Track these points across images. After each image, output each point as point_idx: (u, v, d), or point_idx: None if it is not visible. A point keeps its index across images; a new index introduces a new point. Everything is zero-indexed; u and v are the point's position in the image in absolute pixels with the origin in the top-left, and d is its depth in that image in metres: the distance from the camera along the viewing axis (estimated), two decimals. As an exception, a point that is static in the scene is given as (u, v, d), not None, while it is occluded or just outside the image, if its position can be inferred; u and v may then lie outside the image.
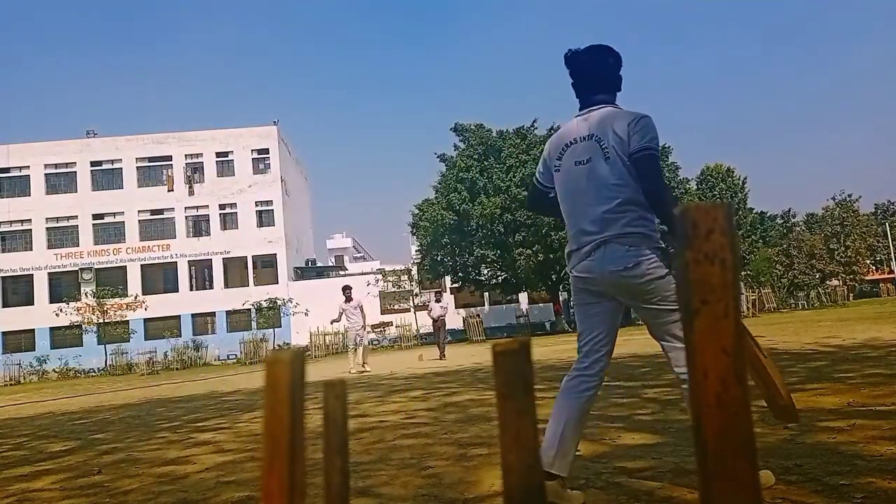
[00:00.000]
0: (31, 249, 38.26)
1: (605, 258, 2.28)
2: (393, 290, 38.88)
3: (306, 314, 33.70)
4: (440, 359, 14.56)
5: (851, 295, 42.96)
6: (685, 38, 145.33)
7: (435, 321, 15.79)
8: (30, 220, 38.43)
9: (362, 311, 13.09)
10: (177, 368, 29.75)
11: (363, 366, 12.99)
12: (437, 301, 16.22)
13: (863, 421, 3.17)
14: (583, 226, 2.36)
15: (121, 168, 39.47)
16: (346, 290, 13.14)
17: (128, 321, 35.62)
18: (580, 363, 2.46)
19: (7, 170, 38.88)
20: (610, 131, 2.35)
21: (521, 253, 29.68)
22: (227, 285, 38.80)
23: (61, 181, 39.19)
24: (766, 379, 2.18)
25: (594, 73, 2.52)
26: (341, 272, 44.61)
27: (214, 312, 38.33)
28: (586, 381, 2.40)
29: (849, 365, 5.61)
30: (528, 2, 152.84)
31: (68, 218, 38.69)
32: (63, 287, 37.62)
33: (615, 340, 2.50)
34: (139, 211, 39.08)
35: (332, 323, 14.65)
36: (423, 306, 33.94)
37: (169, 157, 39.70)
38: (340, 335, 28.64)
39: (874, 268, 57.57)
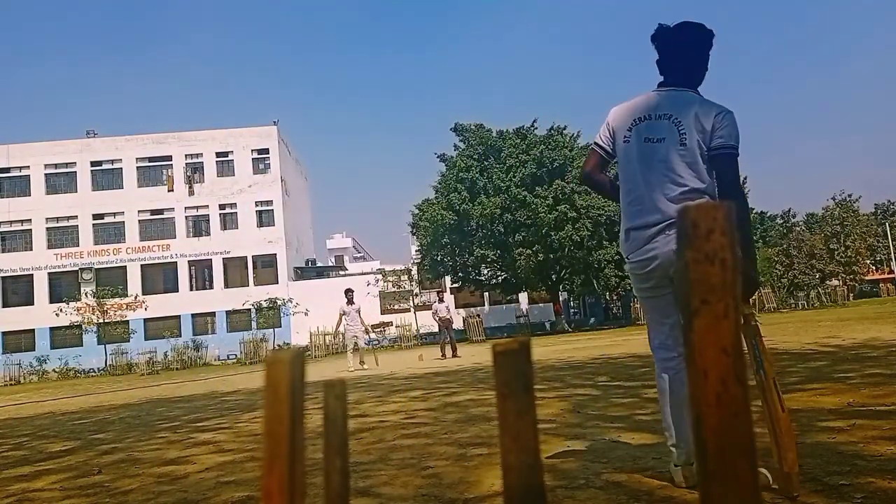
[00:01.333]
0: (31, 249, 38.26)
1: (670, 241, 2.17)
2: (393, 290, 38.88)
3: (306, 314, 33.71)
4: (453, 357, 14.70)
5: (851, 295, 42.97)
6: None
7: (441, 321, 15.86)
8: (30, 220, 38.43)
9: (359, 314, 13.43)
10: (177, 368, 29.75)
11: (362, 365, 13.39)
12: (441, 301, 16.32)
13: (863, 421, 3.17)
14: (647, 206, 2.28)
15: (121, 168, 39.47)
16: (349, 293, 13.63)
17: (128, 321, 35.63)
18: (670, 351, 2.34)
19: (7, 170, 38.88)
20: (692, 118, 2.23)
21: (521, 253, 29.68)
22: (227, 285, 38.80)
23: (61, 181, 39.19)
24: (778, 437, 2.02)
25: (681, 52, 2.38)
26: (341, 272, 44.61)
27: (214, 312, 38.33)
28: (674, 362, 2.35)
29: (849, 365, 5.61)
30: (528, 2, 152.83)
31: (68, 218, 38.70)
32: (63, 287, 37.62)
33: None
34: (139, 211, 39.08)
35: (335, 330, 14.91)
36: (424, 306, 33.98)
37: (169, 157, 39.70)
38: (341, 335, 28.66)
39: (874, 268, 57.57)
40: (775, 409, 2.02)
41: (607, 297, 42.19)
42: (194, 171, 39.82)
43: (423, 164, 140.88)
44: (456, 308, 37.04)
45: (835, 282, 43.91)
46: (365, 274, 39.69)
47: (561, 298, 35.91)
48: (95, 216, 38.84)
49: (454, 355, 15.04)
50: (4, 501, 3.27)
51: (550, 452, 3.06)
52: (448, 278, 36.56)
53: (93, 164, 39.31)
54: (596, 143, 2.48)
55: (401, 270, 39.12)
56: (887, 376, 4.66)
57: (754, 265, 2.11)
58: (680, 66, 2.37)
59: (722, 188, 2.16)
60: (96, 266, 38.12)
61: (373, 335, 19.52)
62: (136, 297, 36.37)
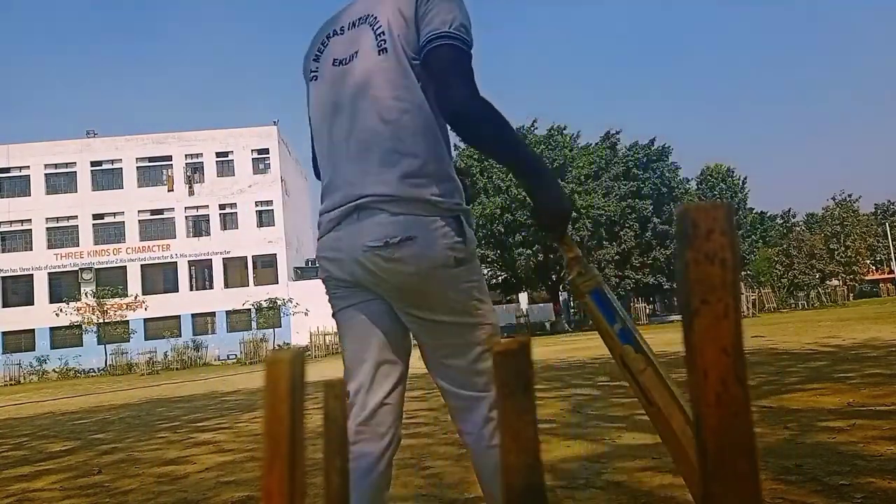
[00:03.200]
0: (31, 249, 38.25)
1: (360, 229, 1.34)
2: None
3: (306, 314, 33.70)
4: None
5: (851, 295, 42.99)
6: (685, 38, 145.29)
7: None
8: (30, 220, 38.42)
9: None
10: (177, 368, 29.74)
11: None
12: None
13: (863, 421, 3.16)
14: (333, 175, 1.42)
15: (121, 168, 39.46)
16: None
17: (128, 321, 35.62)
18: (356, 414, 1.39)
19: (7, 170, 38.87)
20: (391, 7, 1.36)
21: (521, 253, 29.70)
22: (227, 285, 38.79)
23: (61, 181, 39.18)
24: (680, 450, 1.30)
25: None
26: (341, 272, 44.51)
27: (214, 312, 38.32)
28: (372, 443, 1.39)
29: (849, 365, 5.60)
30: (528, 2, 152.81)
31: (68, 218, 38.68)
32: (63, 287, 37.61)
33: (406, 372, 1.47)
34: (139, 211, 39.07)
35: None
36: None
37: (169, 157, 39.69)
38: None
39: (874, 268, 57.59)
40: (667, 404, 1.27)
41: (607, 297, 42.16)
42: (194, 171, 39.82)
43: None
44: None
45: (835, 282, 43.93)
46: (365, 274, 39.62)
47: (561, 298, 35.90)
48: (95, 216, 38.83)
49: None
50: (4, 501, 3.27)
51: (550, 452, 3.05)
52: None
53: (93, 164, 39.30)
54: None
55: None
56: (887, 376, 4.66)
57: (554, 185, 1.34)
58: None
59: (442, 99, 1.29)
60: (96, 266, 38.12)
61: None
62: (136, 297, 36.36)
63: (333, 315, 1.48)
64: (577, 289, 1.35)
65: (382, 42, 1.36)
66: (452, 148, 1.46)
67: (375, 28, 1.38)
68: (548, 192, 1.33)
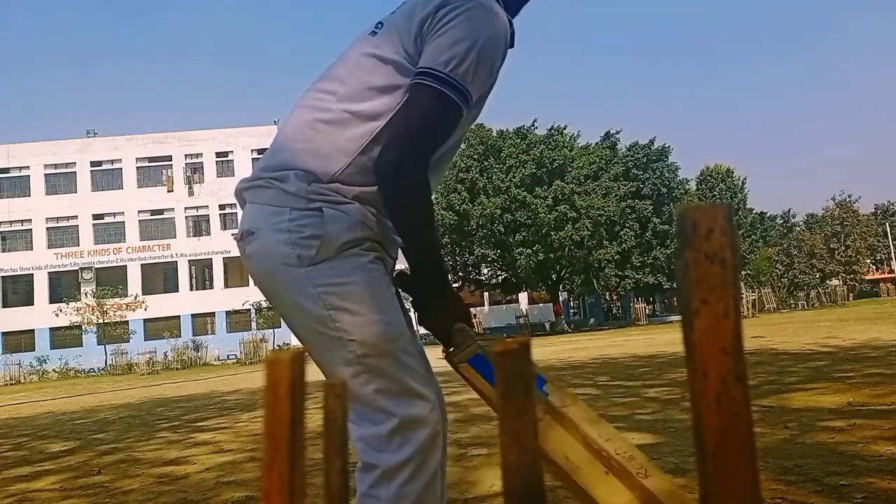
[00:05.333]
0: (31, 249, 38.25)
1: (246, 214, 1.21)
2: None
3: (306, 314, 33.67)
4: None
5: (851, 295, 42.99)
6: (685, 37, 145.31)
7: None
8: (30, 220, 38.42)
9: None
10: (177, 368, 29.75)
11: None
12: None
13: (863, 421, 3.16)
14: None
15: (121, 168, 39.47)
16: None
17: (128, 321, 35.62)
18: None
19: (7, 170, 38.87)
20: (404, 8, 1.19)
21: (521, 253, 29.69)
22: (227, 285, 38.80)
23: (61, 181, 39.19)
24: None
25: None
26: (341, 272, 44.58)
27: (214, 312, 38.33)
28: None
29: (849, 365, 5.60)
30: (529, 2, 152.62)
31: (68, 218, 38.69)
32: (63, 287, 37.62)
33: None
34: (139, 211, 39.08)
35: None
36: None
37: (169, 157, 39.71)
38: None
39: (874, 268, 57.62)
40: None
41: (607, 297, 42.22)
42: (194, 171, 39.83)
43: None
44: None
45: (835, 282, 43.95)
46: (365, 274, 39.67)
47: (561, 298, 35.91)
48: (95, 216, 38.84)
49: None
50: (4, 501, 3.27)
51: (550, 452, 3.05)
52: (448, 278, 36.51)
53: (93, 164, 39.31)
54: None
55: (401, 270, 39.07)
56: (887, 376, 4.66)
57: (443, 305, 1.19)
58: None
59: (381, 149, 1.09)
60: (96, 266, 38.12)
61: None
62: (136, 297, 36.36)
63: None
64: (452, 362, 1.17)
65: (379, 27, 1.18)
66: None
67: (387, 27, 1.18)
68: (436, 305, 1.17)
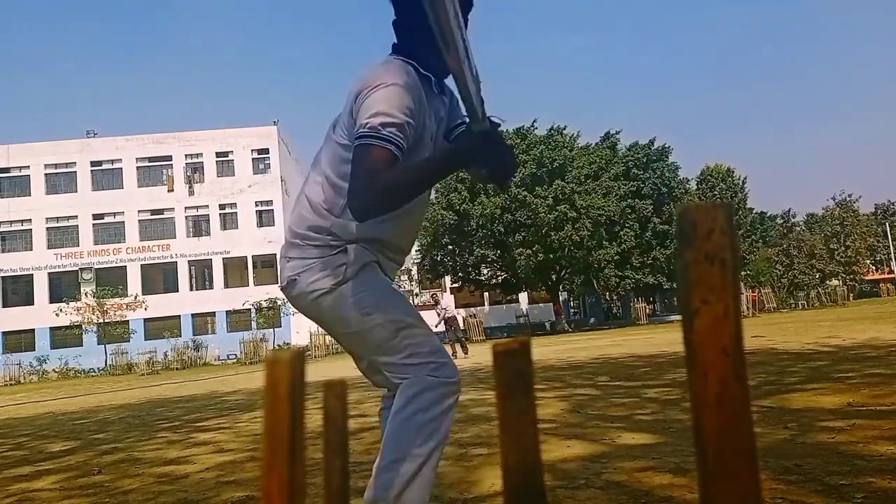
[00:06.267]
0: (31, 249, 38.25)
1: (283, 269, 1.70)
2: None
3: (306, 314, 33.65)
4: (464, 356, 14.59)
5: (851, 295, 42.99)
6: (685, 38, 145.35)
7: (447, 321, 15.77)
8: (30, 220, 38.42)
9: None
10: (177, 368, 29.75)
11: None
12: (437, 303, 16.29)
13: (863, 421, 3.16)
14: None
15: (121, 168, 39.47)
16: None
17: (128, 321, 35.62)
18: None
19: (7, 170, 38.88)
20: (348, 97, 1.59)
21: (521, 253, 29.70)
22: (227, 285, 38.80)
23: (61, 181, 39.19)
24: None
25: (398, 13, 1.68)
26: (341, 272, 44.53)
27: (214, 312, 38.33)
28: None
29: (849, 365, 5.60)
30: (528, 1, 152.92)
31: (68, 218, 38.69)
32: (63, 287, 37.62)
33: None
34: (139, 211, 39.07)
35: None
36: (424, 306, 33.95)
37: (169, 157, 39.70)
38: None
39: (874, 268, 57.64)
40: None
41: (607, 297, 42.25)
42: (194, 171, 39.82)
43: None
44: (456, 308, 37.09)
45: (835, 282, 43.96)
46: (365, 274, 39.64)
47: (561, 298, 35.92)
48: (95, 216, 38.83)
49: (464, 353, 14.90)
50: (4, 501, 3.27)
51: (550, 452, 3.06)
52: (448, 278, 36.57)
53: (93, 164, 39.31)
54: None
55: (401, 270, 39.06)
56: (887, 376, 4.66)
57: (476, 149, 1.42)
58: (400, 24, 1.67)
59: (347, 198, 1.47)
60: (96, 266, 38.12)
61: None
62: (136, 297, 36.36)
63: None
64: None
65: (333, 125, 1.70)
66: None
67: (339, 115, 1.69)
68: (480, 154, 1.43)
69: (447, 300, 16.69)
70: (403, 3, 1.64)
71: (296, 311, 1.70)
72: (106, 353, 31.96)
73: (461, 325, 16.07)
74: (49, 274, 38.19)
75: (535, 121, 33.08)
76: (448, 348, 15.84)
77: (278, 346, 33.02)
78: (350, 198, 1.45)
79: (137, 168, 39.61)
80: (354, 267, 1.60)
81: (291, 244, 1.65)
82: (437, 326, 15.51)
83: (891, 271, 55.06)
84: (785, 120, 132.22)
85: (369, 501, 1.57)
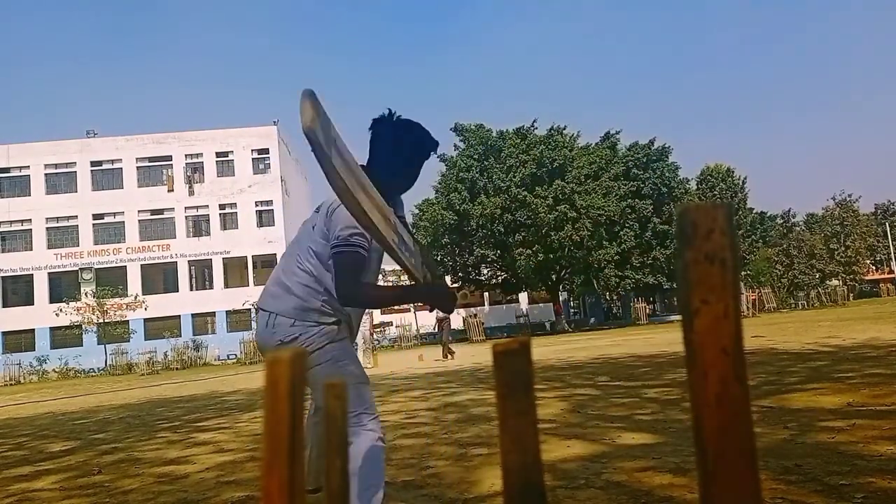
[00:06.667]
0: (31, 249, 38.24)
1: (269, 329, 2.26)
2: (393, 290, 38.83)
3: (306, 314, 33.64)
4: (446, 358, 14.46)
5: (851, 295, 42.98)
6: (685, 37, 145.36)
7: (440, 320, 15.73)
8: (30, 220, 38.41)
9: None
10: (177, 368, 29.75)
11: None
12: None
13: (863, 421, 3.16)
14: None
15: (121, 168, 39.45)
16: None
17: (128, 321, 35.61)
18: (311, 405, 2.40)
19: (7, 170, 38.86)
20: (321, 214, 2.12)
21: (521, 253, 29.69)
22: (227, 285, 38.79)
23: (61, 181, 39.18)
24: None
25: (391, 144, 2.19)
26: (341, 272, 44.53)
27: (214, 312, 38.32)
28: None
29: (849, 365, 5.60)
30: (528, 2, 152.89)
31: (68, 218, 38.68)
32: (63, 287, 37.61)
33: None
34: (139, 211, 39.06)
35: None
36: (424, 306, 33.91)
37: (169, 157, 39.69)
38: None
39: (874, 268, 57.63)
40: None
41: (607, 297, 42.23)
42: (194, 171, 39.81)
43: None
44: (456, 308, 37.03)
45: (835, 282, 43.95)
46: (365, 274, 39.65)
47: (561, 298, 35.90)
48: (95, 216, 38.82)
49: (448, 356, 14.82)
50: (4, 501, 3.27)
51: (550, 452, 3.06)
52: (448, 278, 36.53)
53: (93, 164, 39.30)
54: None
55: (401, 270, 39.06)
56: (887, 376, 4.66)
57: (426, 291, 2.16)
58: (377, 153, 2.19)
59: (335, 291, 2.01)
60: (96, 266, 38.11)
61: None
62: (136, 297, 36.34)
63: None
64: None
65: (312, 226, 2.18)
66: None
67: (315, 220, 2.18)
68: (430, 297, 2.14)
69: None
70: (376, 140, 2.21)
71: None
72: (106, 353, 31.94)
73: (451, 327, 15.97)
74: (49, 274, 38.18)
75: (535, 121, 33.06)
76: (439, 349, 15.86)
77: (278, 346, 32.96)
78: (337, 287, 2.01)
79: (137, 168, 39.59)
80: (321, 342, 2.11)
81: (284, 320, 2.14)
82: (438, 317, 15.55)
83: (891, 271, 55.05)
84: (785, 120, 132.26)
85: None
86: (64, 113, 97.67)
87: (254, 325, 35.72)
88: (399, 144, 2.16)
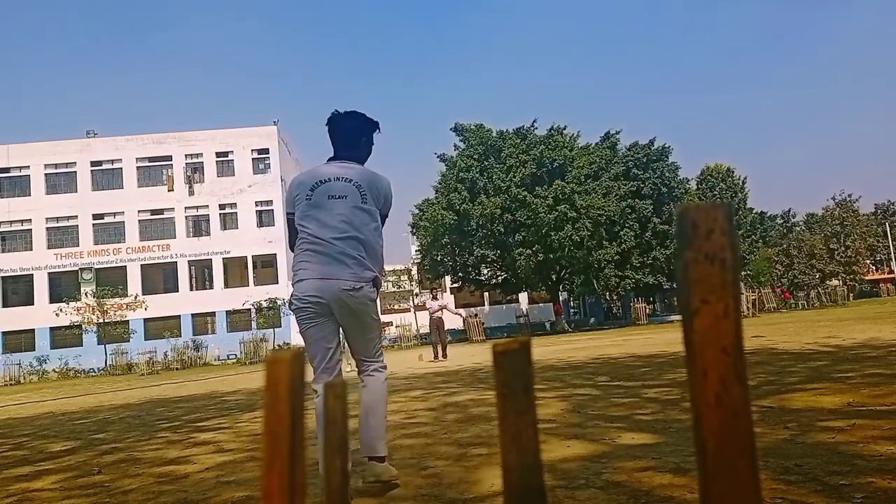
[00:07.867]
0: (31, 249, 38.25)
1: (339, 285, 2.79)
2: (393, 290, 38.89)
3: (306, 314, 33.63)
4: (436, 359, 14.44)
5: (851, 295, 43.01)
6: (685, 37, 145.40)
7: (433, 320, 15.69)
8: (30, 220, 38.42)
9: None
10: (177, 368, 29.75)
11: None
12: (435, 299, 16.24)
13: (863, 421, 3.17)
14: (331, 258, 2.83)
15: (121, 168, 39.46)
16: None
17: (128, 321, 35.61)
18: (321, 362, 2.85)
19: (7, 170, 38.87)
20: (368, 185, 2.83)
21: (521, 253, 29.69)
22: (227, 285, 38.79)
23: (61, 181, 39.18)
24: None
25: (350, 135, 2.95)
26: (341, 272, 44.56)
27: (214, 312, 38.33)
28: (329, 375, 2.90)
29: (849, 365, 5.60)
30: (528, 2, 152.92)
31: (68, 218, 38.68)
32: (63, 287, 37.61)
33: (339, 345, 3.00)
34: (139, 211, 39.07)
35: None
36: (424, 306, 33.97)
37: (169, 157, 39.69)
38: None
39: (874, 268, 57.65)
40: None
41: (607, 297, 42.22)
42: (194, 171, 39.81)
43: (423, 164, 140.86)
44: (456, 308, 37.08)
45: (835, 282, 43.97)
46: (365, 274, 39.66)
47: (561, 298, 35.90)
48: (95, 216, 38.83)
49: (439, 356, 14.75)
50: (4, 501, 3.27)
51: (550, 452, 3.06)
52: (448, 278, 36.57)
53: (93, 164, 39.30)
54: (293, 220, 2.96)
55: (401, 270, 39.12)
56: (887, 376, 4.66)
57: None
58: (349, 145, 2.94)
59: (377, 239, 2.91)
60: (96, 266, 38.11)
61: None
62: (136, 297, 36.35)
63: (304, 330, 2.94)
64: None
65: (364, 196, 2.84)
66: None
67: (360, 190, 2.84)
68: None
69: (443, 300, 16.61)
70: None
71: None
72: (106, 353, 31.95)
73: (446, 327, 15.94)
74: (49, 274, 38.19)
75: (535, 121, 33.06)
76: (430, 350, 15.81)
77: (278, 346, 33.01)
78: (378, 264, 2.88)
79: (137, 168, 39.60)
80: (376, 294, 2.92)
81: (359, 264, 2.82)
82: (433, 313, 15.49)
83: (891, 271, 55.06)
84: (785, 120, 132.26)
85: (385, 454, 2.74)
86: (64, 113, 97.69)
87: (254, 324, 35.81)
88: (356, 129, 2.97)
